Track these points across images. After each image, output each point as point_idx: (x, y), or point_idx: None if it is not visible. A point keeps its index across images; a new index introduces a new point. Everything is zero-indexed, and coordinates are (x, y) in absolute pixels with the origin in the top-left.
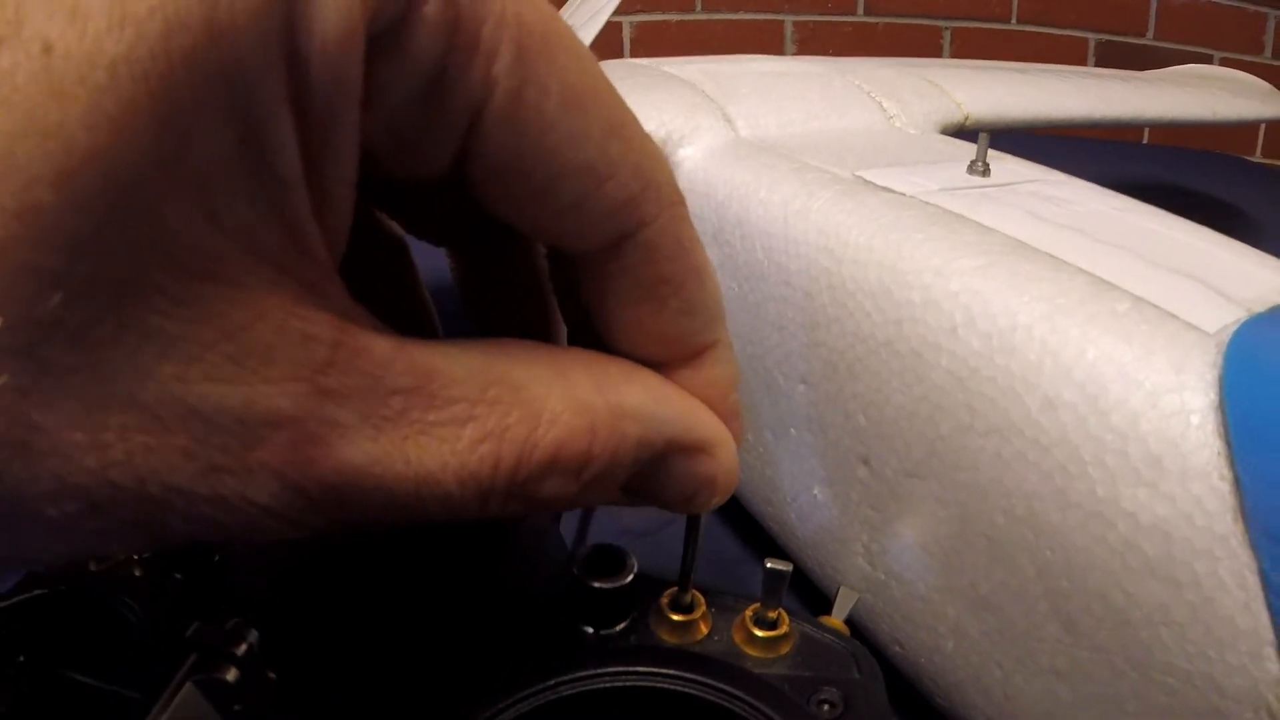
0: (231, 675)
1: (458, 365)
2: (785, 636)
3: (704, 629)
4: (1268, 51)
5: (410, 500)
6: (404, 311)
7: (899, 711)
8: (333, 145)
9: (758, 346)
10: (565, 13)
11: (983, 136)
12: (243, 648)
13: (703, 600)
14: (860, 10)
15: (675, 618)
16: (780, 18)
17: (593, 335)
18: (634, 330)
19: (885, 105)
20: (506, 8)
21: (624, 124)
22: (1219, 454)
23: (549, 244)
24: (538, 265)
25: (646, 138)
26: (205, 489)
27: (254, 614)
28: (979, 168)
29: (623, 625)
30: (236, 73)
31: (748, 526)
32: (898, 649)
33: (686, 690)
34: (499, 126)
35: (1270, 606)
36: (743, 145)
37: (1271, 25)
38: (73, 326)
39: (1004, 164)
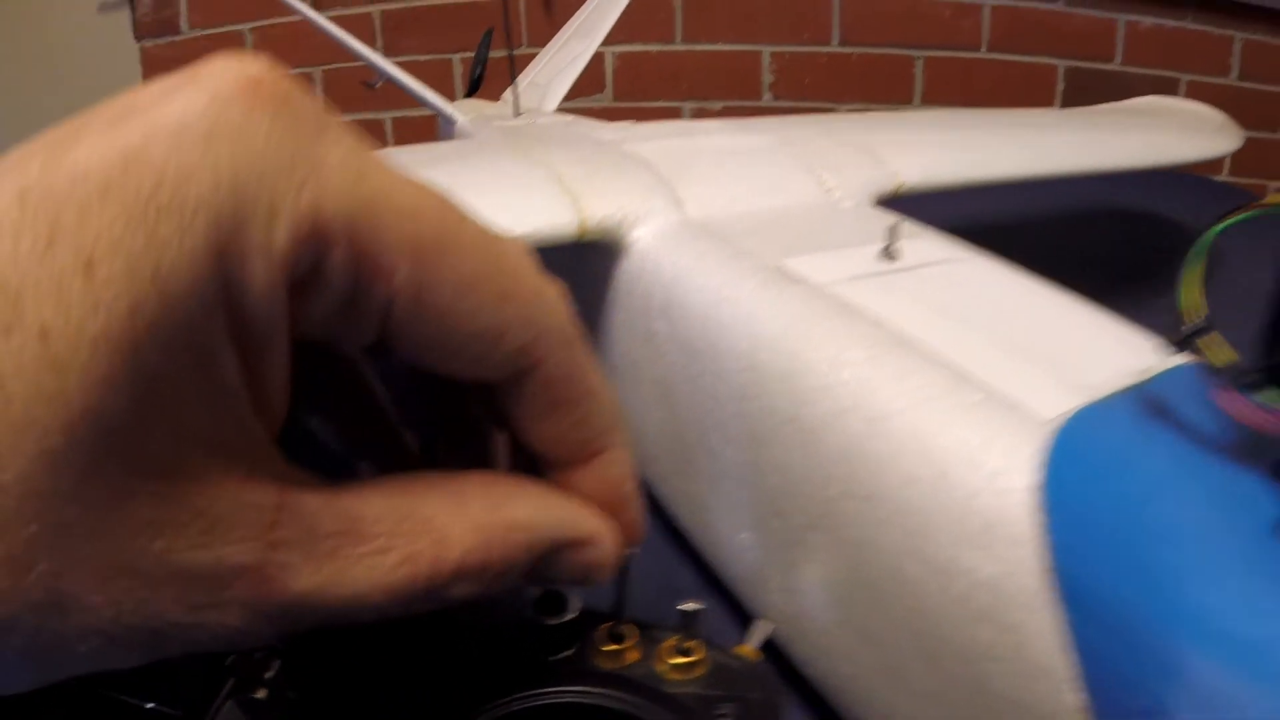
0: (263, 695)
1: (376, 507)
2: (699, 662)
3: (634, 656)
4: (1234, 73)
5: (347, 612)
6: (366, 424)
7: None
8: (266, 361)
9: (697, 411)
10: (540, 60)
11: (893, 227)
12: (271, 673)
13: (635, 632)
14: (835, 41)
15: (610, 647)
16: (758, 48)
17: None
18: (540, 439)
19: (824, 178)
20: (402, 231)
21: (514, 290)
22: (1036, 526)
23: (468, 380)
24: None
25: (539, 292)
26: (191, 620)
27: (275, 646)
28: (889, 252)
29: (568, 653)
30: (187, 328)
31: (699, 561)
32: (811, 672)
33: (611, 706)
34: (406, 319)
35: (1071, 647)
36: (689, 228)
37: (1238, 48)
38: (85, 527)
39: (917, 243)
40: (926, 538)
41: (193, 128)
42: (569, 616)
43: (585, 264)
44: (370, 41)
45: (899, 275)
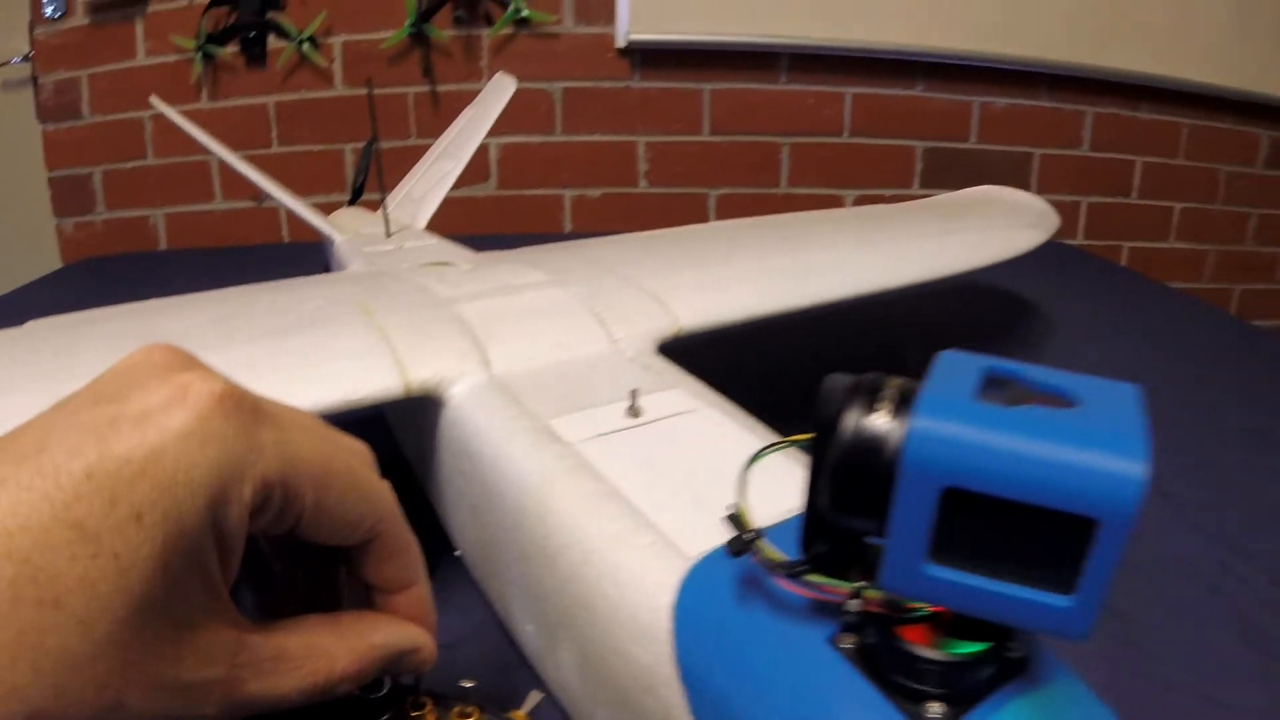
0: None
1: (293, 641)
2: None
3: (431, 718)
4: (1086, 145)
5: (278, 702)
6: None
7: None
8: (232, 559)
9: (494, 531)
10: (414, 175)
11: (634, 390)
12: None
13: (430, 702)
14: (706, 131)
15: (414, 714)
16: (633, 139)
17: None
18: (379, 578)
19: (613, 330)
20: (308, 473)
21: (367, 493)
22: (669, 632)
23: (340, 545)
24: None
25: (379, 490)
26: (190, 713)
27: None
28: (632, 411)
29: (385, 718)
30: (194, 548)
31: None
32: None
33: None
34: (309, 520)
35: (691, 715)
36: (489, 387)
37: (1089, 121)
38: (137, 662)
39: (660, 397)
40: (617, 636)
41: (192, 435)
42: (382, 692)
43: (426, 406)
44: (265, 130)
45: (636, 431)
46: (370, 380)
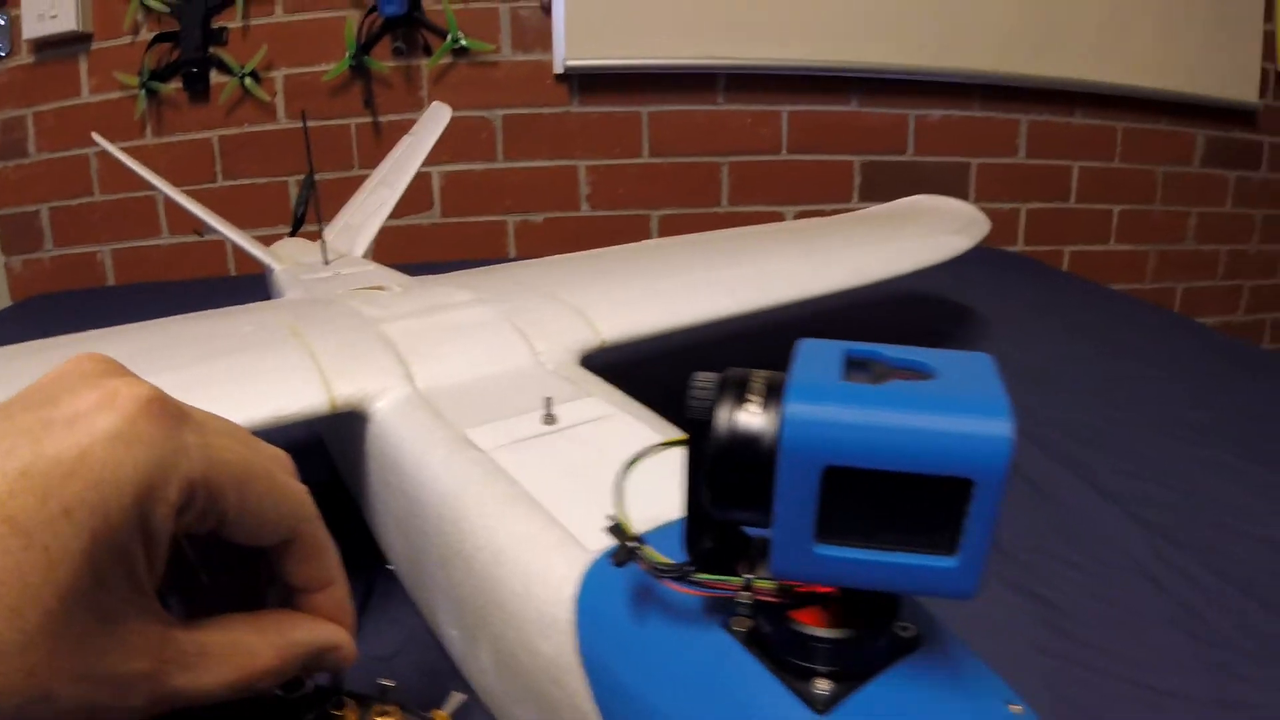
0: None
1: (216, 639)
2: None
3: (351, 717)
4: (1022, 152)
5: (203, 696)
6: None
7: None
8: (158, 557)
9: (418, 539)
10: (353, 203)
11: (548, 399)
12: None
13: (352, 701)
14: (646, 153)
15: (335, 713)
16: (574, 163)
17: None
18: (297, 578)
19: (535, 345)
20: (230, 475)
21: (285, 495)
22: (572, 623)
23: (261, 546)
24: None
25: (296, 493)
26: (116, 704)
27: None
28: (548, 417)
29: (309, 716)
30: (121, 544)
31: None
32: None
33: None
34: (231, 520)
35: (594, 700)
36: (412, 401)
37: (1024, 129)
38: (66, 653)
39: (576, 405)
40: (523, 630)
41: (120, 437)
42: (303, 692)
43: (353, 422)
44: (210, 165)
45: (549, 437)
46: (297, 397)
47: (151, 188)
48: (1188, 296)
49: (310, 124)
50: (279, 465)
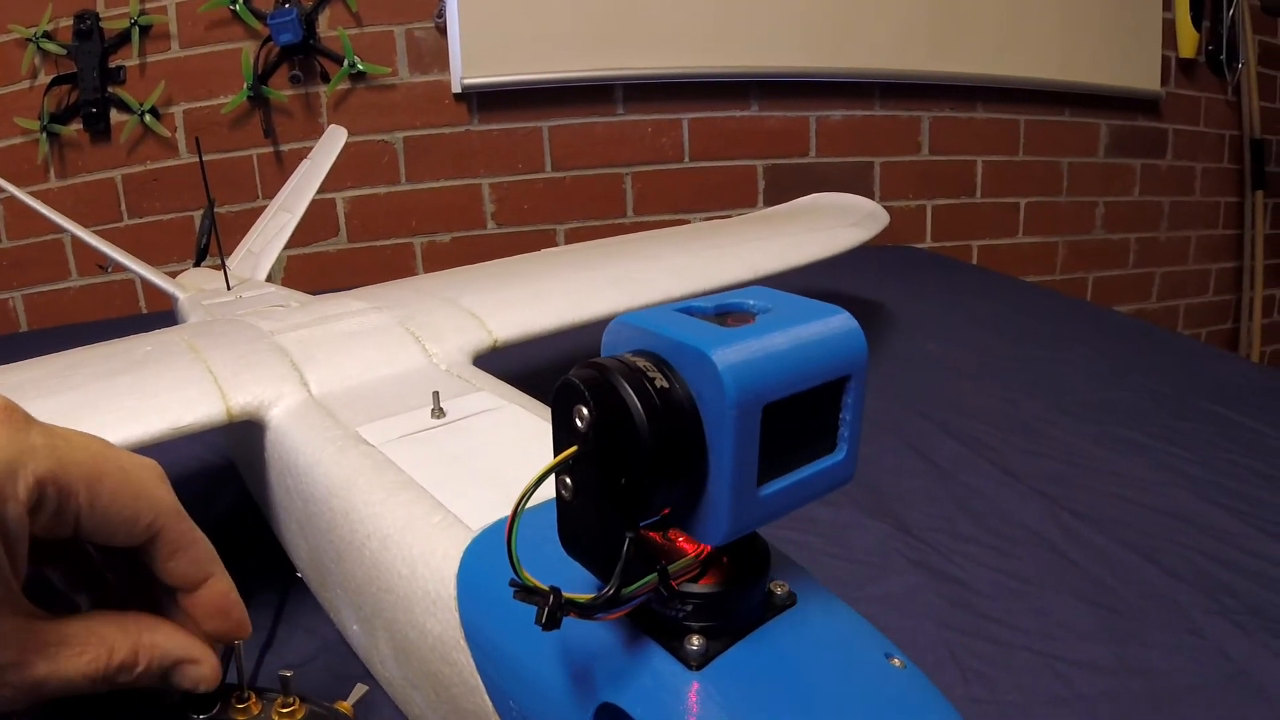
0: None
1: (76, 630)
2: (297, 711)
3: (256, 709)
4: (925, 149)
5: (66, 688)
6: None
7: None
8: (17, 551)
9: (317, 539)
10: (255, 230)
11: (436, 393)
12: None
13: (254, 695)
14: (548, 168)
15: (240, 706)
16: (477, 181)
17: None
18: (170, 575)
19: (428, 347)
20: (79, 473)
21: (141, 491)
22: (454, 599)
23: (124, 546)
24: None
25: (154, 491)
26: None
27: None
28: (436, 412)
29: (212, 712)
30: None
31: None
32: (402, 711)
33: None
34: (85, 519)
35: (478, 671)
36: (306, 406)
37: (926, 126)
38: None
39: (465, 399)
40: (412, 612)
41: None
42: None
43: (253, 434)
44: (115, 204)
45: (438, 430)
46: (194, 408)
47: (58, 230)
48: (1099, 286)
49: (212, 156)
50: (138, 466)
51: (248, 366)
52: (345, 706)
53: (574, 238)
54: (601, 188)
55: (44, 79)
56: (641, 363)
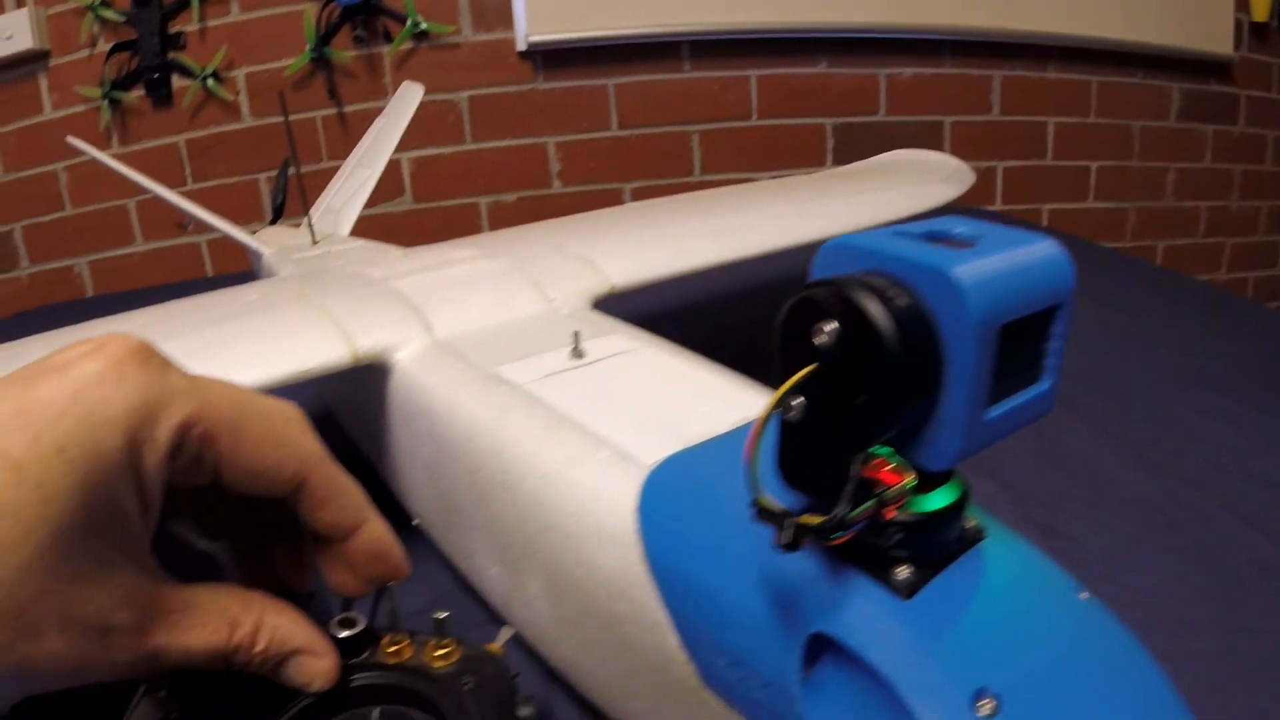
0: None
1: (201, 599)
2: (452, 654)
3: (408, 653)
4: (996, 109)
5: (184, 660)
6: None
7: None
8: (151, 501)
9: (450, 483)
10: (333, 186)
11: (576, 333)
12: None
13: (406, 638)
14: (614, 126)
15: (392, 649)
16: (543, 140)
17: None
18: (321, 524)
19: (548, 291)
20: (221, 417)
21: (286, 439)
22: (635, 533)
23: (268, 496)
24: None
25: (299, 436)
26: (102, 656)
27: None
28: (576, 353)
29: (364, 656)
30: (113, 483)
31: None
32: (551, 662)
33: (394, 683)
34: (228, 466)
35: (665, 606)
36: (434, 349)
37: (997, 85)
38: (55, 594)
39: (602, 340)
40: (579, 550)
41: (108, 378)
42: (358, 629)
43: (369, 378)
44: (178, 169)
45: (580, 370)
46: (317, 352)
47: (122, 196)
48: (1169, 254)
49: (275, 119)
50: (280, 410)
51: (369, 311)
52: (496, 649)
53: (640, 196)
54: (668, 146)
55: (104, 47)
56: (878, 281)
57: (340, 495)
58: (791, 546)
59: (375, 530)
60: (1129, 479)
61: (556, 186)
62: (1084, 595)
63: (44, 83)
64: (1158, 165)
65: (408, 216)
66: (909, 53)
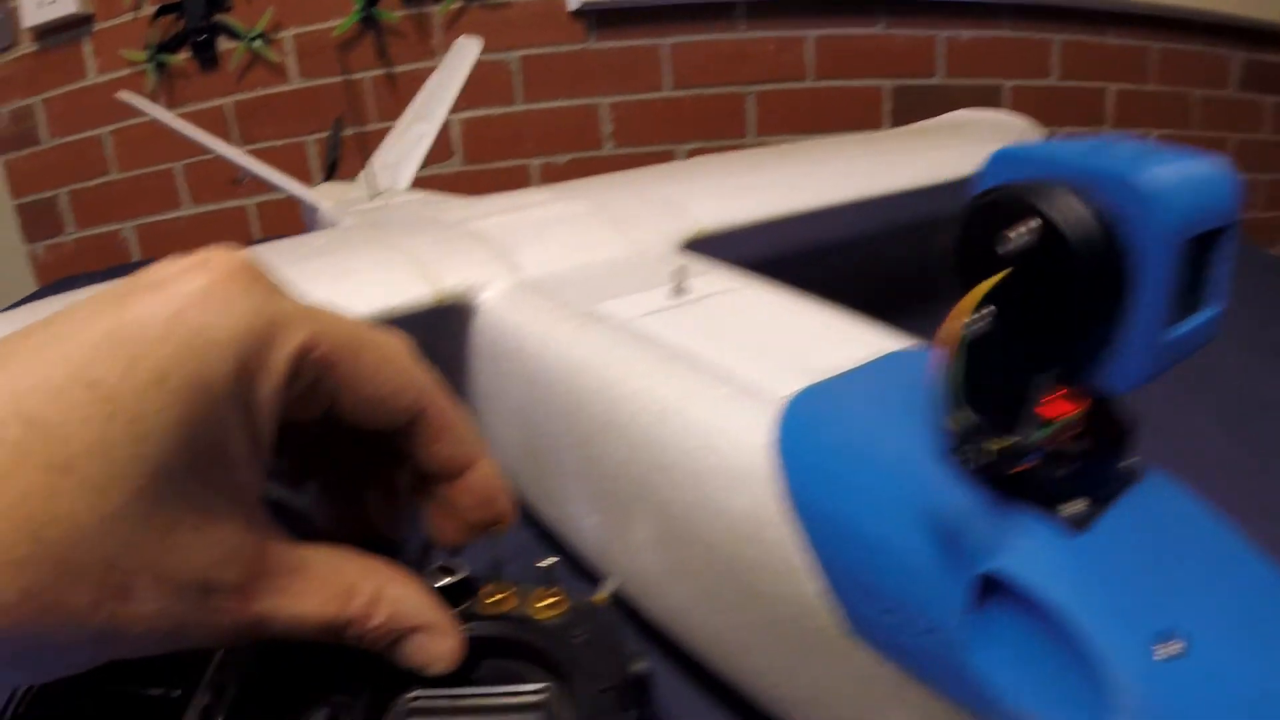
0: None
1: (315, 560)
2: (560, 604)
3: (511, 604)
4: (1055, 74)
5: (291, 629)
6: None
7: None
8: (262, 443)
9: (543, 426)
10: (389, 142)
11: (678, 269)
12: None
13: (509, 588)
14: (668, 87)
15: (493, 599)
16: (595, 101)
17: (418, 480)
18: (433, 461)
19: (634, 234)
20: (338, 341)
21: (403, 366)
22: (772, 470)
23: (383, 428)
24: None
25: (415, 364)
26: (199, 619)
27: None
28: (677, 290)
29: (463, 606)
30: (220, 418)
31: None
32: (652, 615)
33: (503, 635)
34: (343, 394)
35: (807, 549)
36: (521, 288)
37: (1056, 49)
38: (151, 544)
39: (703, 279)
40: (703, 490)
41: (215, 296)
42: (460, 576)
43: (447, 322)
44: (225, 132)
45: (685, 307)
46: (400, 291)
47: (169, 160)
48: None
49: (323, 81)
50: (397, 341)
51: (450, 251)
52: (602, 598)
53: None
54: (722, 107)
55: (148, 10)
56: (1063, 188)
57: (457, 427)
58: (986, 470)
59: (488, 469)
60: (1211, 445)
61: (609, 148)
62: (1239, 534)
63: (88, 47)
64: (1217, 135)
65: (458, 178)
66: (967, 14)
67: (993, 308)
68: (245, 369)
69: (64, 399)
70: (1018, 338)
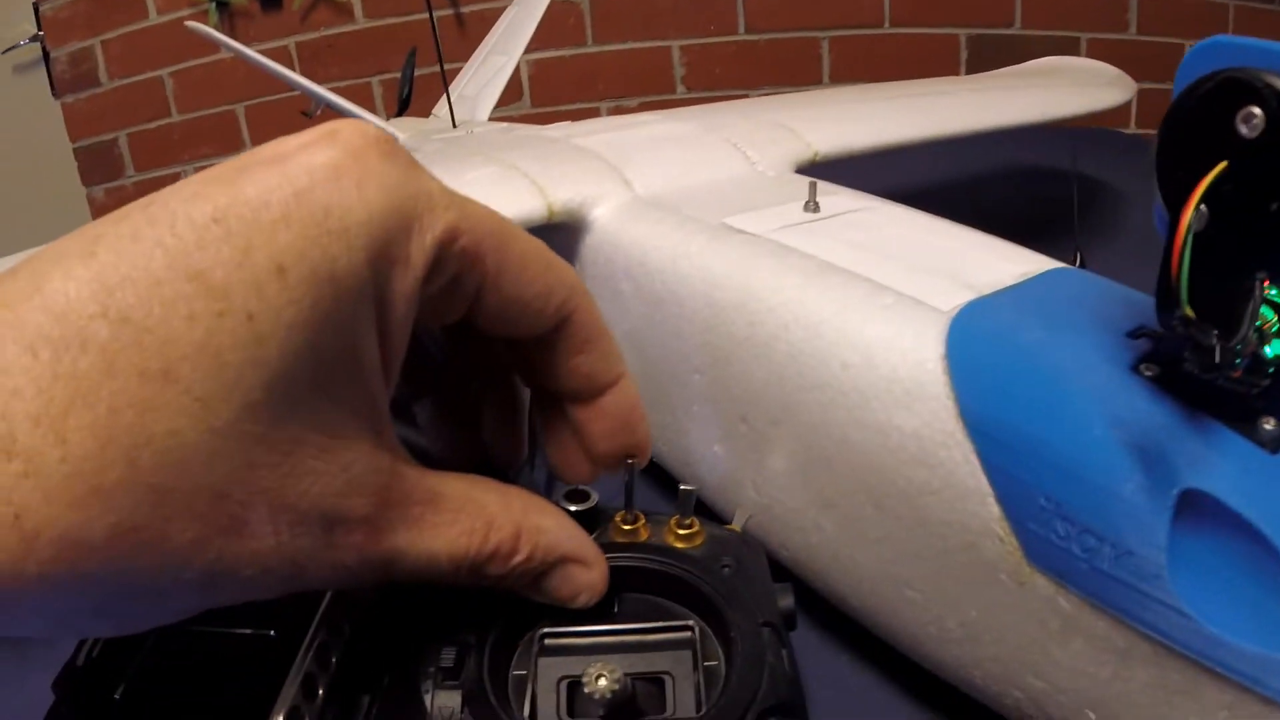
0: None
1: (450, 489)
2: (698, 534)
3: (645, 534)
4: (1133, 28)
5: (422, 567)
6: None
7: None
8: (395, 350)
9: (664, 350)
10: (465, 75)
11: (812, 184)
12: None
13: (643, 517)
14: (741, 30)
15: (628, 527)
16: (667, 44)
17: (549, 395)
18: (575, 373)
19: (749, 154)
20: (486, 229)
21: (551, 261)
22: (945, 385)
23: (525, 336)
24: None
25: (561, 261)
26: (322, 557)
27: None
28: (811, 206)
29: (594, 535)
30: (350, 319)
31: (672, 488)
32: (784, 553)
33: (649, 565)
34: (488, 293)
35: (984, 470)
36: (639, 203)
37: (1134, 3)
38: (268, 467)
39: (833, 198)
40: (863, 409)
41: (345, 173)
42: (590, 504)
43: (553, 243)
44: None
45: (822, 223)
46: (513, 204)
47: (230, 100)
48: None
49: (391, 20)
50: (538, 239)
51: (560, 165)
52: (736, 529)
53: None
54: (797, 51)
55: None
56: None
57: (602, 339)
58: (1217, 369)
59: (630, 390)
60: None
61: (680, 91)
62: None
63: None
64: None
65: (525, 121)
66: None
67: (1204, 208)
68: (380, 260)
69: (163, 293)
70: (1236, 233)
